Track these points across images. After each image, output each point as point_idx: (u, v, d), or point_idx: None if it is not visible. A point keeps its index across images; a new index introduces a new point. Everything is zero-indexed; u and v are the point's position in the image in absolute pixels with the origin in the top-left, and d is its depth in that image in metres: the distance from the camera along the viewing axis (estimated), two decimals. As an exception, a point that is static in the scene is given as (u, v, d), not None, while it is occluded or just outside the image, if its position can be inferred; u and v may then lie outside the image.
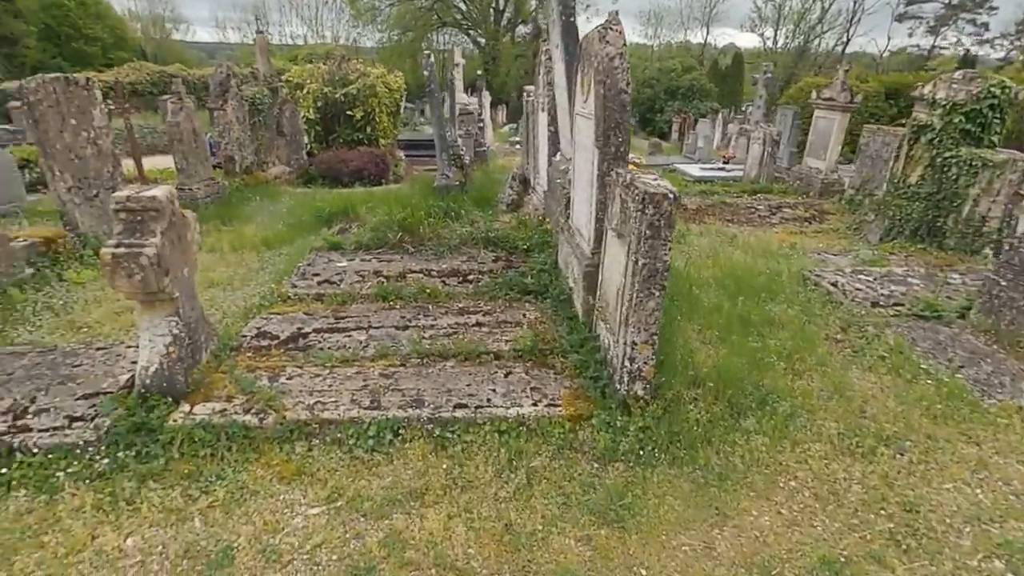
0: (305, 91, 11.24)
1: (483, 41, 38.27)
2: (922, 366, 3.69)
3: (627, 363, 3.09)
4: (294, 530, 2.46)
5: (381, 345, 3.85)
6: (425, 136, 19.52)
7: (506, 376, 3.51)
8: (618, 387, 3.16)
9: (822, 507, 2.64)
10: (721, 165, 13.40)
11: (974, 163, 6.00)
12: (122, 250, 2.82)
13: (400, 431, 3.02)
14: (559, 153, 5.66)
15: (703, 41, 49.46)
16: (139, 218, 2.93)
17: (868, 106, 16.82)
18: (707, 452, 2.92)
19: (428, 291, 4.81)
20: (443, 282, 5.15)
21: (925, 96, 6.43)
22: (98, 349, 3.66)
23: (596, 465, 2.87)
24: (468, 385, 3.39)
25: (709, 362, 3.58)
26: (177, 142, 7.56)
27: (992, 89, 6.01)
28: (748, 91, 30.11)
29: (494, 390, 3.35)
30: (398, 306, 4.67)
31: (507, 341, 3.95)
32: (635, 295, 2.94)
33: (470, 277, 5.28)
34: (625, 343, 3.06)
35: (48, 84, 5.28)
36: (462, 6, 37.87)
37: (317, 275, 5.23)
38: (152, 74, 20.75)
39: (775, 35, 41.88)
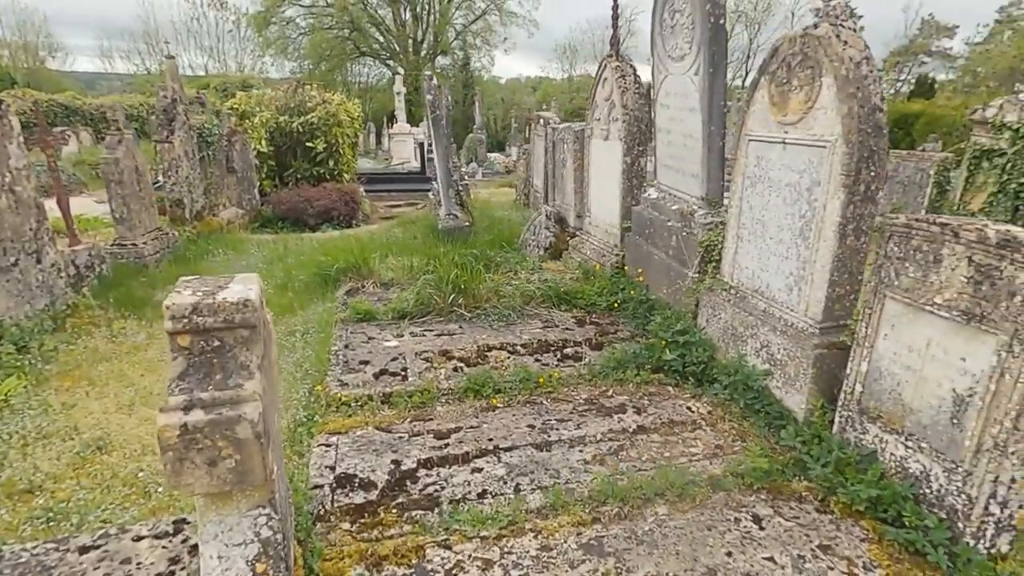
0: (256, 120, 9.56)
1: (403, 71, 37.04)
2: None
3: (995, 507, 2.05)
4: None
5: (544, 490, 2.56)
6: (372, 168, 18.07)
7: (760, 526, 2.36)
8: (970, 542, 2.11)
9: None
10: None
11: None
12: (200, 416, 1.41)
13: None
14: (651, 189, 4.65)
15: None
16: (217, 344, 1.54)
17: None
18: None
19: (539, 380, 3.56)
20: (537, 360, 3.93)
21: (989, 119, 6.11)
22: (82, 552, 2.11)
23: None
24: (728, 555, 2.20)
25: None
26: (115, 184, 5.79)
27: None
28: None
29: (772, 559, 2.19)
30: (501, 404, 3.40)
31: (706, 458, 2.81)
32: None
33: (567, 351, 4.08)
34: (993, 478, 2.03)
35: (-58, 107, 3.56)
36: (380, 37, 36.54)
37: (366, 362, 3.82)
38: (42, 103, 17.68)
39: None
